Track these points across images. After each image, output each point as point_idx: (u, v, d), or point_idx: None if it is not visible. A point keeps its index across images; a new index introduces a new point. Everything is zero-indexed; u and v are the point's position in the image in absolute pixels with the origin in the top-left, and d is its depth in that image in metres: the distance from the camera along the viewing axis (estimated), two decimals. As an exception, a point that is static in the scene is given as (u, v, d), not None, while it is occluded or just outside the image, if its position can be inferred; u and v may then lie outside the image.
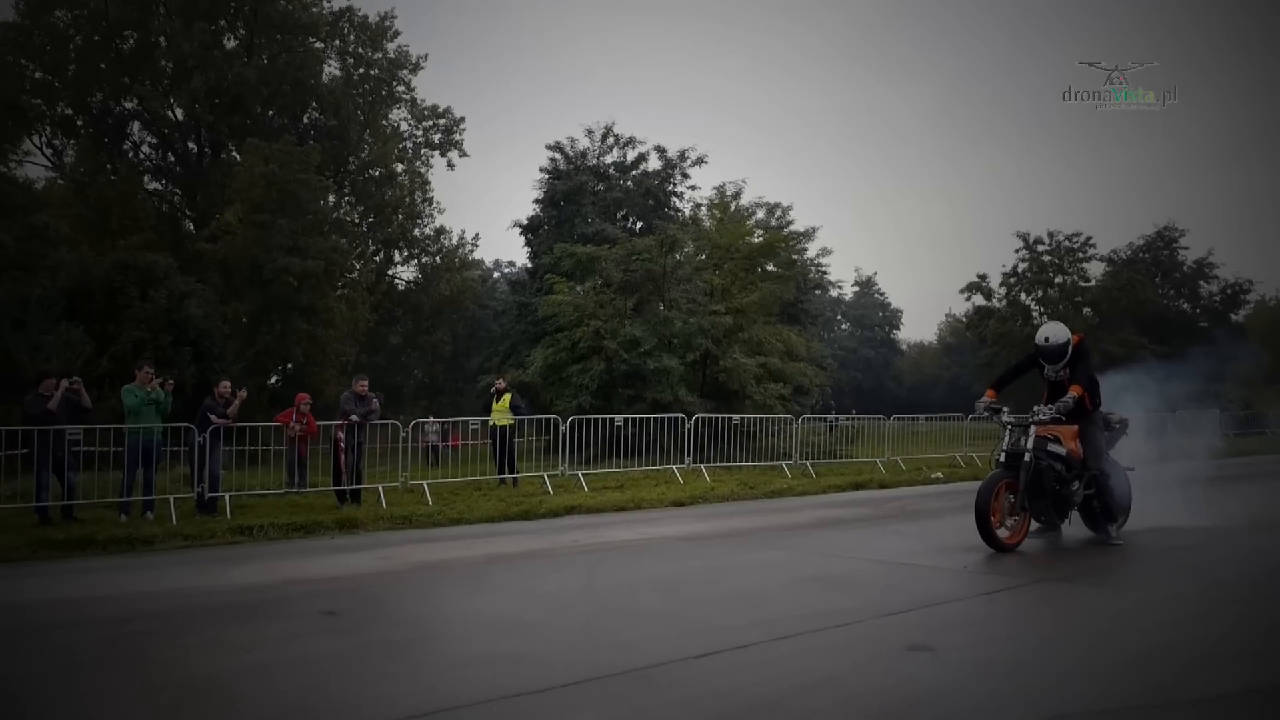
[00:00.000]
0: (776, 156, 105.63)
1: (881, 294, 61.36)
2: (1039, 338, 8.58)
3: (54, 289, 27.79)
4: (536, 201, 37.91)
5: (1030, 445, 8.06)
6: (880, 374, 58.54)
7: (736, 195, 34.06)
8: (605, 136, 36.88)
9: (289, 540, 9.87)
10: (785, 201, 43.84)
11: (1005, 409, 8.41)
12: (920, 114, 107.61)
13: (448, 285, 49.34)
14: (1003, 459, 8.16)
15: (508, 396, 15.71)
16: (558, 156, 36.98)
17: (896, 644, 4.69)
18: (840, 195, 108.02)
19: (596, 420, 15.74)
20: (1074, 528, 8.67)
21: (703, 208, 31.03)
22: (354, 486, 13.15)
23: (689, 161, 35.35)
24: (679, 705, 3.86)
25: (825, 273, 47.90)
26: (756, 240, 23.91)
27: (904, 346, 65.72)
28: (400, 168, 45.25)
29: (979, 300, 42.23)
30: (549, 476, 14.91)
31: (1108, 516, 8.45)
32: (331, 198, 46.89)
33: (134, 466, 11.73)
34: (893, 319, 61.44)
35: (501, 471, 15.27)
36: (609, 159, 37.09)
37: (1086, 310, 39.89)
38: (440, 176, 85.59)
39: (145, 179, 43.63)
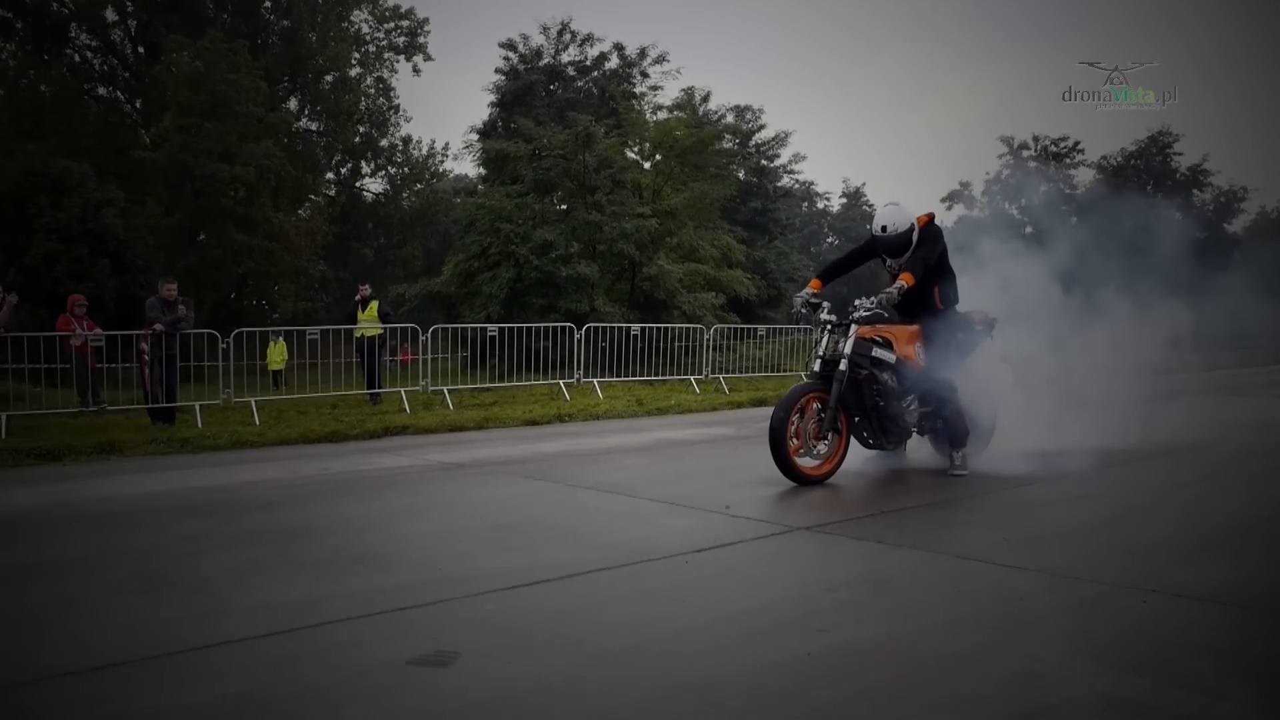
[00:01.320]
0: (755, 62, 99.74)
1: (870, 206, 58.43)
2: (875, 226, 6.71)
3: (-45, 198, 26.00)
4: (491, 105, 35.67)
5: (848, 350, 6.27)
6: (867, 288, 56.13)
7: (705, 99, 31.98)
8: (562, 33, 34.32)
9: (14, 470, 8.30)
10: (757, 104, 41.24)
11: (825, 304, 6.60)
12: (909, 16, 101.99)
13: (417, 197, 47.34)
14: (817, 368, 6.39)
15: (374, 304, 13.99)
16: (511, 55, 34.56)
17: (417, 650, 3.00)
18: (826, 102, 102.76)
19: (466, 330, 14.01)
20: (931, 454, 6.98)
21: (661, 110, 28.79)
22: (164, 405, 11.56)
23: (649, 60, 32.84)
24: None
25: (806, 182, 45.46)
26: (690, 135, 21.70)
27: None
28: (355, 71, 42.65)
29: (961, 209, 39.80)
30: (407, 393, 13.28)
31: (952, 441, 6.70)
32: (294, 103, 44.95)
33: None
34: (882, 231, 58.24)
35: (371, 386, 13.65)
36: (567, 58, 34.61)
37: (1073, 219, 37.42)
38: (406, 83, 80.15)
39: (95, 85, 41.53)
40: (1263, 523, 4.91)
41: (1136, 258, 9.32)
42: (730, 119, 35.91)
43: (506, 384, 14.60)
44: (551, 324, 14.36)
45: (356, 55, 43.82)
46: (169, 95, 31.33)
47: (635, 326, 15.03)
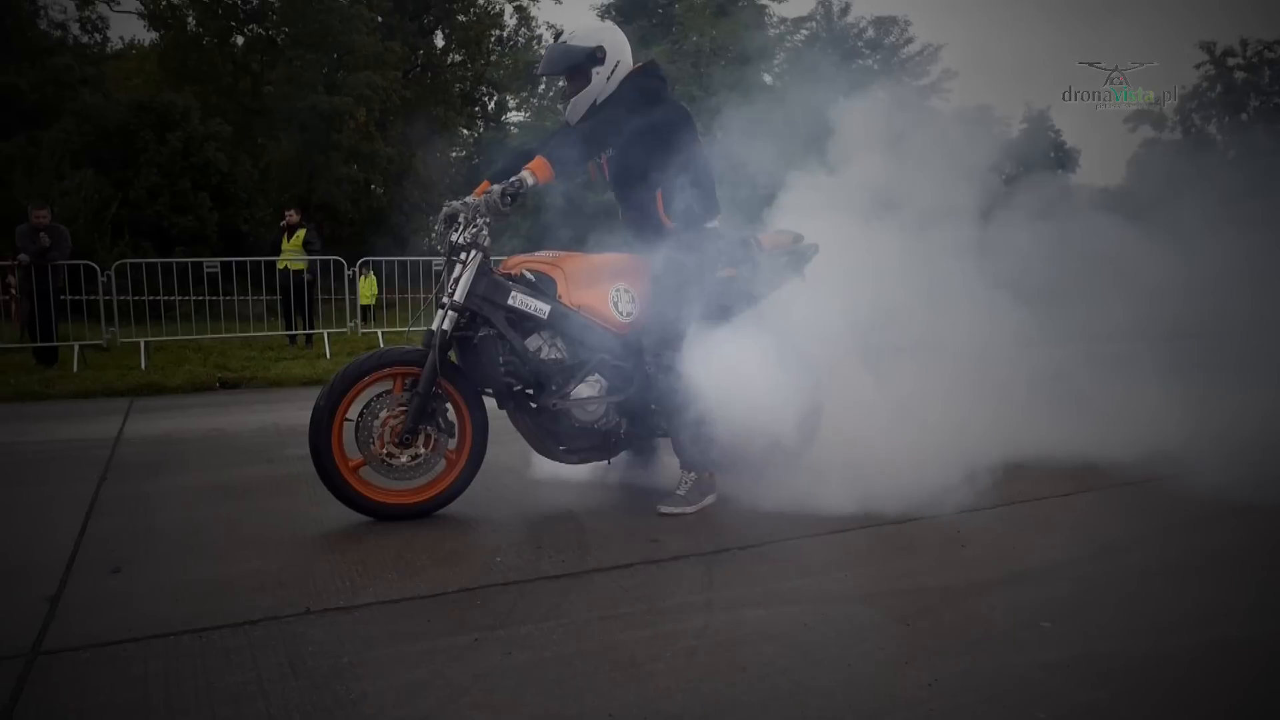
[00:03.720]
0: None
1: (1055, 131, 50.65)
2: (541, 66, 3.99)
3: (69, 133, 26.70)
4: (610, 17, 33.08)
5: (460, 294, 3.64)
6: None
7: (845, 11, 28.75)
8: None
9: None
10: (902, 14, 36.18)
11: (470, 220, 3.90)
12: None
13: (563, 131, 46.03)
14: (437, 322, 3.77)
15: (301, 232, 12.20)
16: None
17: None
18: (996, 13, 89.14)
19: (406, 264, 11.98)
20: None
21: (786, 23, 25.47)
22: (37, 344, 10.35)
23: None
24: None
25: (982, 105, 40.18)
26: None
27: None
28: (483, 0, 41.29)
29: (1148, 132, 33.08)
30: (330, 334, 11.51)
31: (681, 456, 3.92)
32: (439, 38, 44.49)
33: None
34: (1066, 160, 50.79)
35: (292, 327, 11.99)
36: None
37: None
38: (549, 11, 74.64)
39: (247, 23, 42.58)
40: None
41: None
42: (871, 33, 31.73)
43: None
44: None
45: (495, -16, 42.49)
46: (275, 28, 31.08)
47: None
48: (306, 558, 3.21)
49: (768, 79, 18.55)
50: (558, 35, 3.86)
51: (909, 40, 31.75)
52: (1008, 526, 3.47)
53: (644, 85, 3.77)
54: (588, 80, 3.74)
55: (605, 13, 31.66)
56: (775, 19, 29.04)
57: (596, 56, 3.73)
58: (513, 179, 3.45)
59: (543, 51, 3.58)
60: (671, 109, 3.83)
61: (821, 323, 4.10)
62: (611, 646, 2.39)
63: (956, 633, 2.45)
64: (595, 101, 3.80)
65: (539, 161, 3.47)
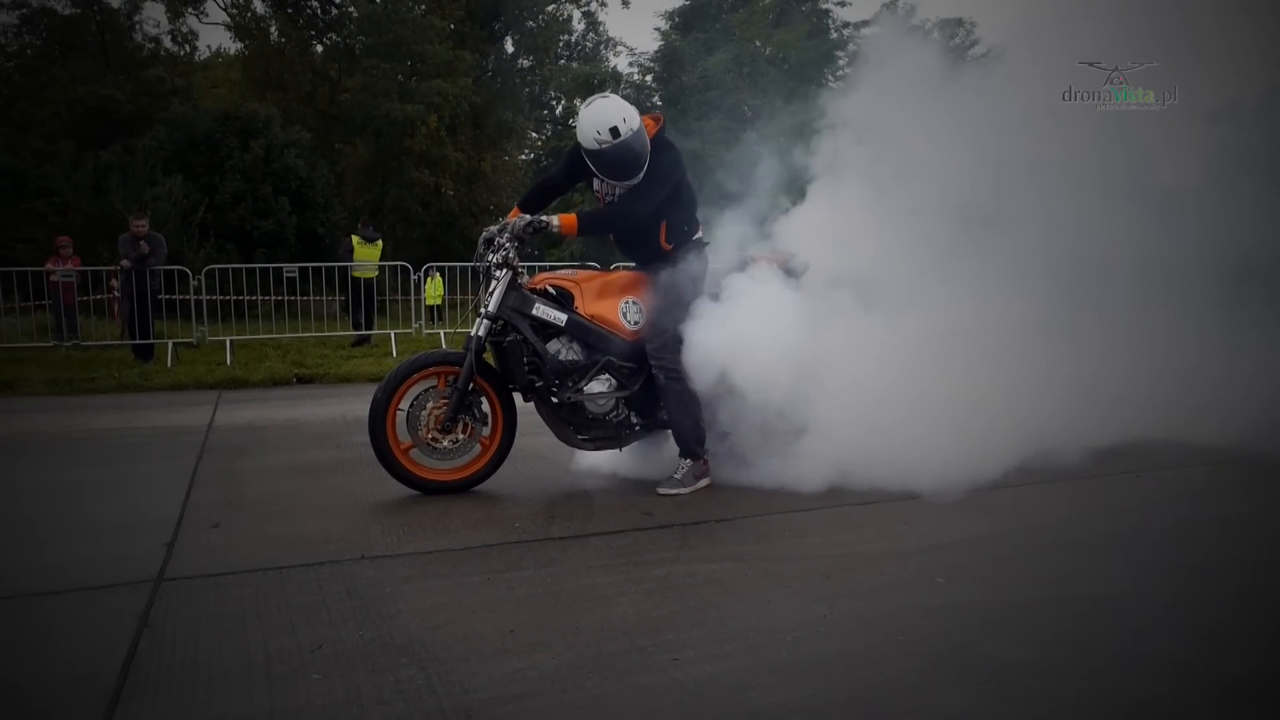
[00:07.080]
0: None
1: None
2: (585, 135, 4.45)
3: (161, 142, 28.41)
4: (660, 30, 33.65)
5: (493, 306, 4.37)
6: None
7: (911, 11, 29.05)
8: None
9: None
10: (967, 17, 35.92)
11: (507, 242, 4.60)
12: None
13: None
14: (478, 330, 4.50)
15: (379, 242, 13.16)
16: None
17: None
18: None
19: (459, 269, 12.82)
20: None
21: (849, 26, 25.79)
22: (136, 341, 11.48)
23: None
24: None
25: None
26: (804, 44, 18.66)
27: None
28: (551, 7, 42.30)
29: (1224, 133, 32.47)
30: (396, 334, 12.43)
31: (680, 443, 4.59)
32: (509, 44, 45.66)
33: None
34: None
35: (359, 327, 12.98)
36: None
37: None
38: (616, 16, 73.81)
39: (327, 32, 44.30)
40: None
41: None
42: (936, 35, 31.73)
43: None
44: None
45: (564, -12, 43.41)
46: (353, 38, 32.45)
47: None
48: (363, 520, 3.98)
49: (831, 84, 19.03)
50: (599, 140, 4.37)
51: (975, 42, 31.69)
52: (954, 509, 4.06)
53: (663, 161, 4.37)
54: (640, 159, 4.33)
55: (669, 19, 32.23)
56: (838, 23, 29.29)
57: (635, 133, 4.25)
58: (541, 216, 4.18)
59: (601, 143, 4.09)
60: (675, 163, 4.45)
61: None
62: (590, 586, 3.08)
63: (864, 584, 3.08)
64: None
65: (571, 219, 4.19)
